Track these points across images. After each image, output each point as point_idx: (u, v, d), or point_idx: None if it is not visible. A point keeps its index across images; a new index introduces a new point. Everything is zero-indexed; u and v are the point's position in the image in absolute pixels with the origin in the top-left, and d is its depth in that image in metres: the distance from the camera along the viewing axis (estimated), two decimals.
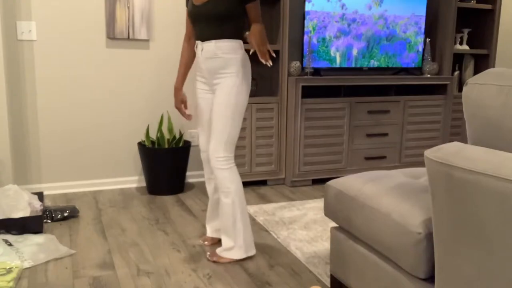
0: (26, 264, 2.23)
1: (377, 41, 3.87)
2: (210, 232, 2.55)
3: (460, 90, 4.35)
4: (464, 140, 4.19)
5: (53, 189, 3.45)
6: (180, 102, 2.45)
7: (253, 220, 2.90)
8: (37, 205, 2.70)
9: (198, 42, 2.27)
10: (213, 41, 2.20)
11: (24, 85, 3.28)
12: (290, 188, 3.61)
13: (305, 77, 3.53)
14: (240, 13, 2.18)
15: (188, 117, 2.45)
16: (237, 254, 2.30)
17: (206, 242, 2.53)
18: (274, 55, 2.17)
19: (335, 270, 1.94)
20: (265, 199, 3.33)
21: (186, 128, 3.72)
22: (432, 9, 4.20)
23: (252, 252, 2.35)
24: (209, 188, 2.48)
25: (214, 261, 2.32)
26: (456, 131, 4.25)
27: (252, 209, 3.10)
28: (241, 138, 3.49)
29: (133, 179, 3.64)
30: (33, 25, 3.23)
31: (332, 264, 1.96)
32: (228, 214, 2.27)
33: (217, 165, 2.23)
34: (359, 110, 3.72)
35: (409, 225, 1.45)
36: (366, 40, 3.84)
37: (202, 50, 2.25)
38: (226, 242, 2.31)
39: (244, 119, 3.48)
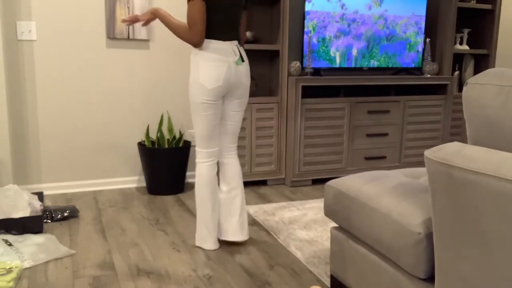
0: (26, 264, 2.23)
1: (377, 41, 3.87)
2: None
3: (460, 90, 4.35)
4: (464, 140, 4.19)
5: (53, 189, 3.45)
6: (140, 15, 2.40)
7: (253, 220, 2.91)
8: (37, 205, 2.70)
9: None
10: None
11: (24, 85, 3.28)
12: (290, 188, 3.61)
13: (305, 77, 3.53)
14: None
15: (124, 21, 2.38)
16: (196, 239, 2.50)
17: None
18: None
19: (335, 270, 1.94)
20: (265, 199, 3.33)
21: (186, 128, 3.72)
22: (432, 9, 4.20)
23: (207, 247, 2.46)
24: None
25: None
26: (456, 131, 4.25)
27: (252, 209, 3.10)
28: (241, 138, 3.49)
29: (133, 179, 3.64)
30: (33, 25, 3.23)
31: (332, 264, 1.96)
32: None
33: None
34: (359, 110, 3.72)
35: (409, 225, 1.45)
36: (366, 40, 3.84)
37: None
38: None
39: (244, 119, 3.48)
